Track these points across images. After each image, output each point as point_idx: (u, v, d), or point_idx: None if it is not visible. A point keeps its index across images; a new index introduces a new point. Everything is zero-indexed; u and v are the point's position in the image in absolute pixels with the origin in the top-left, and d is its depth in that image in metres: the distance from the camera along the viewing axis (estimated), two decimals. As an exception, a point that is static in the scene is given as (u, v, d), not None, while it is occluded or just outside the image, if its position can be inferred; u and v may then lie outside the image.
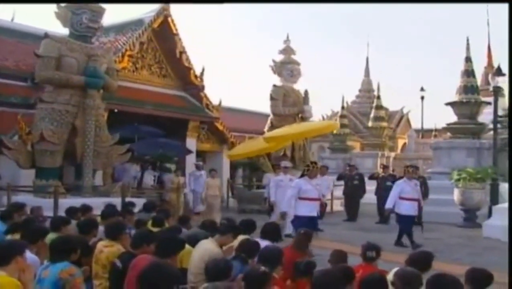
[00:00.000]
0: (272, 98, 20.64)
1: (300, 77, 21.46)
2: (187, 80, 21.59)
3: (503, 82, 18.71)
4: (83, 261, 5.50)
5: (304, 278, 4.73)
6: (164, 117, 19.92)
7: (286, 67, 21.06)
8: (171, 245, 5.07)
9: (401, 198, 12.43)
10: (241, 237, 6.30)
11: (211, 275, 4.46)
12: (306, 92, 20.83)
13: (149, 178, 18.42)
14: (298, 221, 10.78)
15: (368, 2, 77.90)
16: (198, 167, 18.94)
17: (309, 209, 10.95)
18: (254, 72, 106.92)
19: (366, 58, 39.16)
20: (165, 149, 18.02)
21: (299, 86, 21.53)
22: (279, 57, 21.46)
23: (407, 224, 12.41)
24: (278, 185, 14.17)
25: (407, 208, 12.35)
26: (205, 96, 21.96)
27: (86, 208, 8.70)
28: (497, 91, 18.08)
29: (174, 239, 5.36)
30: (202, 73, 21.71)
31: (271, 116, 20.96)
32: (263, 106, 23.29)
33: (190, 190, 18.38)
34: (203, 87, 21.76)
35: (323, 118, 31.71)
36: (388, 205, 12.58)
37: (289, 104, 20.55)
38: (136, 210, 9.33)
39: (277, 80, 21.17)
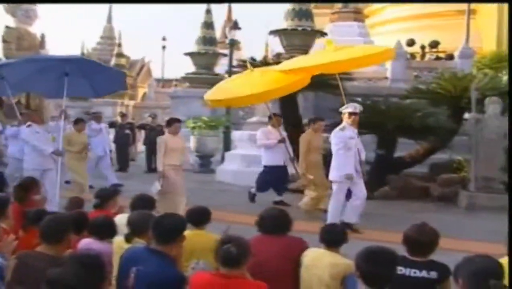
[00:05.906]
0: (4, 41, 19.39)
1: (36, 19, 20.40)
2: None
3: (239, 35, 20.21)
4: None
5: (35, 226, 4.76)
6: None
7: (21, 7, 19.80)
8: None
9: None
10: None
11: None
12: (43, 36, 20.04)
13: None
14: None
15: None
16: (96, 118, 13.76)
17: None
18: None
19: (109, 5, 38.38)
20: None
21: (36, 29, 20.52)
22: (13, -3, 20.10)
23: None
24: (346, 145, 8.48)
25: None
26: None
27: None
28: (233, 44, 19.50)
29: None
30: None
31: (4, 60, 19.69)
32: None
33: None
34: None
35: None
36: None
37: (23, 47, 19.45)
38: None
39: (10, 22, 19.88)
